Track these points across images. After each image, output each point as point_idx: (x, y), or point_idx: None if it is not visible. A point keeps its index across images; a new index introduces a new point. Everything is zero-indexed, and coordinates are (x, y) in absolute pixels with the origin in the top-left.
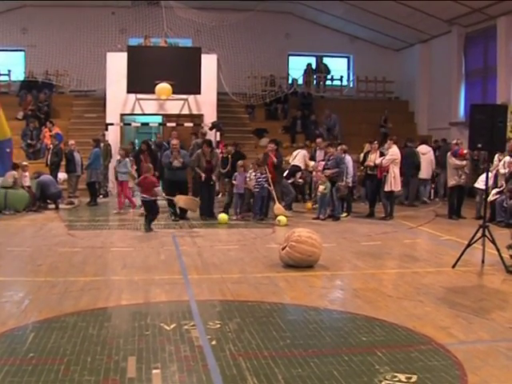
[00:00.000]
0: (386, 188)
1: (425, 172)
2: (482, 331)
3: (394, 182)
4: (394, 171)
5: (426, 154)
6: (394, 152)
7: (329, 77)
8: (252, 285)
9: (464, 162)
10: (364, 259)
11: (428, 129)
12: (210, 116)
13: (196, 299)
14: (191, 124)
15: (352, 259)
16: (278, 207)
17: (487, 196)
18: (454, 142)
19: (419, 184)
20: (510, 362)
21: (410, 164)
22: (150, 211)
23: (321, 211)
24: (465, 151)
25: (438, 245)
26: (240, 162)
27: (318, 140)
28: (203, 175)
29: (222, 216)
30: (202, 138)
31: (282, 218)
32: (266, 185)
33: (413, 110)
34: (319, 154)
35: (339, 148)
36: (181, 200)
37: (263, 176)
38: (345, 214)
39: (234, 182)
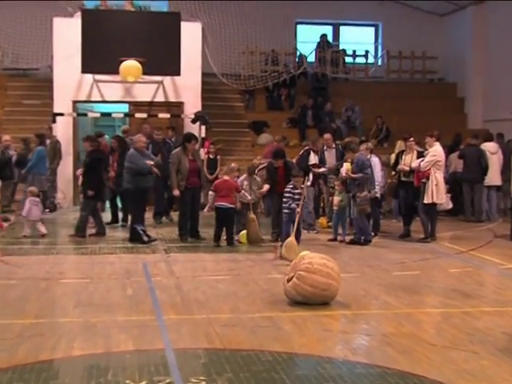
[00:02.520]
0: (426, 200)
1: (494, 177)
2: None
3: (436, 192)
4: (437, 177)
5: (494, 153)
6: (435, 152)
7: (349, 52)
8: (248, 328)
9: None
10: (396, 294)
11: (483, 120)
12: (193, 104)
13: (174, 348)
14: (167, 115)
15: (380, 294)
16: (290, 245)
17: None
18: None
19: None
20: None
21: (475, 167)
22: (227, 222)
23: (338, 230)
24: None
25: (498, 276)
26: (233, 167)
27: (327, 136)
28: (176, 192)
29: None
30: (172, 135)
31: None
32: (295, 205)
33: (462, 95)
34: (328, 155)
35: (363, 147)
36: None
37: (297, 192)
38: (372, 234)
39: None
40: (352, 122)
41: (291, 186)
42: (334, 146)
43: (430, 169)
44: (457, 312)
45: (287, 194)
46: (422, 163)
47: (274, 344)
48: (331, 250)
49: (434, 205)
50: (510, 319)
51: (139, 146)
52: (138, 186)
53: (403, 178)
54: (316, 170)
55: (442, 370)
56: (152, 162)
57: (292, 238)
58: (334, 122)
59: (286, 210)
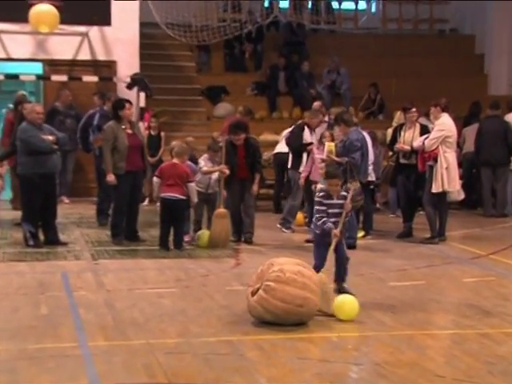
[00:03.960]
0: (435, 188)
1: None
2: None
3: (447, 177)
4: (447, 158)
5: None
6: (443, 125)
7: None
8: (200, 356)
9: None
10: (394, 311)
11: (509, 84)
12: (128, 64)
13: None
14: (95, 78)
15: (373, 311)
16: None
17: None
18: None
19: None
20: None
21: (498, 145)
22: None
23: None
24: None
25: None
26: (187, 145)
27: (316, 104)
28: (111, 177)
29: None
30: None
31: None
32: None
33: (482, 51)
34: (319, 131)
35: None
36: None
37: (334, 203)
38: (361, 234)
39: None
40: (337, 87)
41: (323, 194)
42: (325, 118)
43: (437, 148)
44: (473, 334)
45: (318, 207)
46: (426, 141)
47: (234, 377)
48: (309, 254)
49: (443, 195)
50: None
51: (32, 117)
52: (30, 172)
53: (402, 161)
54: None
55: None
56: (51, 138)
57: (325, 279)
58: (313, 88)
59: (316, 231)
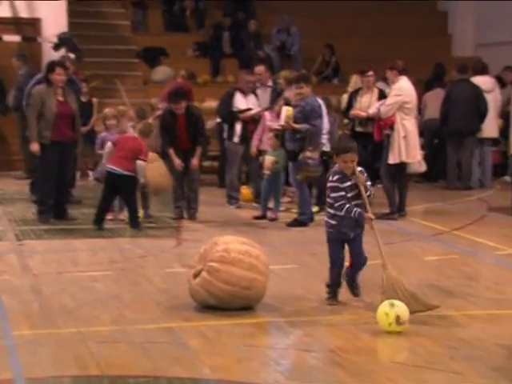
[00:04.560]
0: (392, 159)
1: (489, 127)
2: None
3: (405, 147)
4: (405, 126)
5: (490, 92)
6: (400, 90)
7: None
8: (137, 345)
9: None
10: (349, 293)
11: (475, 44)
12: (55, 23)
13: (27, 377)
14: (17, 38)
15: (325, 293)
16: None
17: None
18: None
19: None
20: None
21: (466, 112)
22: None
23: (268, 204)
24: None
25: (494, 266)
26: (109, 111)
27: (259, 68)
28: (35, 146)
29: None
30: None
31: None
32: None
33: (445, 8)
34: (262, 96)
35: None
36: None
37: (352, 184)
38: (315, 209)
39: (99, 151)
40: (287, 48)
41: (337, 177)
42: (269, 83)
43: (394, 115)
44: (434, 317)
45: (335, 194)
46: (382, 107)
47: (174, 367)
48: (258, 231)
49: (403, 166)
50: (510, 327)
51: None
52: None
53: (358, 129)
54: (252, 113)
55: None
56: None
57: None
58: (261, 49)
59: (332, 222)
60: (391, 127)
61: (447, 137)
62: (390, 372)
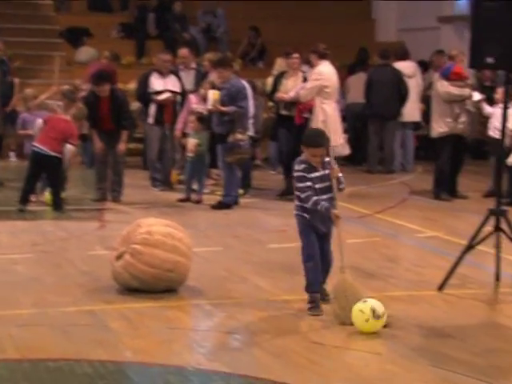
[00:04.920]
0: None
1: (411, 111)
2: None
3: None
4: (325, 110)
5: (411, 77)
6: (320, 74)
7: None
8: (58, 328)
9: (466, 91)
10: (273, 276)
11: (399, 29)
12: None
13: None
14: None
15: (250, 276)
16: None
17: (503, 155)
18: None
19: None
20: None
21: (388, 97)
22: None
23: (192, 186)
24: (465, 71)
25: (415, 248)
26: (30, 92)
27: (183, 51)
28: None
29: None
30: None
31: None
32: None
33: None
34: (185, 78)
35: None
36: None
37: (319, 175)
38: (240, 192)
39: (21, 131)
40: (213, 31)
41: (304, 167)
42: (193, 65)
43: (313, 99)
44: None
45: (301, 184)
46: (301, 91)
47: (96, 350)
48: (182, 214)
49: None
50: (428, 307)
51: None
52: None
53: (283, 112)
54: (162, 98)
55: (330, 378)
56: None
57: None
58: (186, 31)
59: (304, 215)
60: (310, 111)
61: (369, 120)
62: (311, 353)
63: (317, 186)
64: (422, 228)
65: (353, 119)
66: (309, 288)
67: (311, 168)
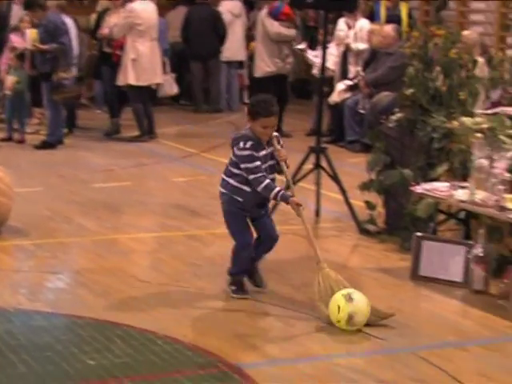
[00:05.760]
0: (120, 80)
1: (236, 50)
2: (312, 340)
3: (133, 69)
4: (137, 48)
5: (238, 16)
6: (131, 11)
7: None
8: None
9: (293, 32)
10: (97, 215)
11: None
12: None
13: None
14: None
15: (74, 216)
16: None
17: (325, 94)
18: None
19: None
20: None
21: (207, 35)
22: None
23: (11, 125)
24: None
25: None
26: None
27: None
28: None
29: None
30: None
31: None
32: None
33: None
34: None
35: (50, 3)
36: None
37: (269, 152)
38: (65, 131)
39: None
40: None
41: (251, 144)
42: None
43: (124, 36)
44: (180, 236)
45: (248, 165)
46: (114, 28)
47: None
48: (3, 154)
49: (148, 89)
50: None
51: None
52: None
53: (106, 49)
54: None
55: (156, 316)
56: None
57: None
58: None
59: (238, 198)
60: (122, 48)
61: (191, 60)
62: (135, 290)
63: (264, 165)
64: None
65: (176, 58)
66: (235, 274)
67: (259, 145)
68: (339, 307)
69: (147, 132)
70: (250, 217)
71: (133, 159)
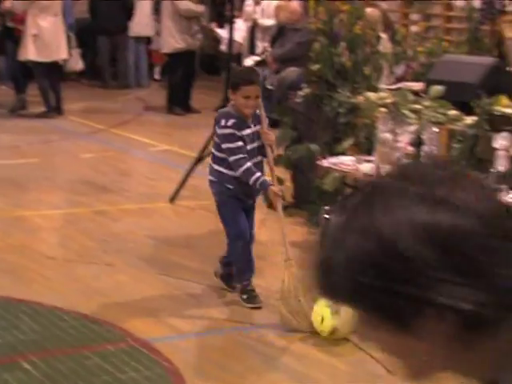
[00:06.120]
0: (20, 55)
1: (143, 25)
2: (221, 313)
3: (34, 45)
4: (39, 23)
5: None
6: None
7: None
8: None
9: (201, 8)
10: (4, 193)
11: None
12: None
13: None
14: None
15: None
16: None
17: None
18: None
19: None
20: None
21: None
22: None
23: None
24: None
25: (148, 161)
26: None
27: None
28: None
29: None
30: None
31: None
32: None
33: None
34: None
35: None
36: None
37: (250, 132)
38: None
39: None
40: None
41: (233, 122)
42: None
43: (27, 11)
44: (88, 213)
45: (229, 144)
46: (16, 3)
47: None
48: None
49: (37, 65)
50: (159, 218)
51: None
52: None
53: (10, 24)
54: None
55: (63, 291)
56: None
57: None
58: None
59: (228, 185)
60: (23, 23)
61: (98, 35)
62: (42, 267)
63: (248, 147)
64: (155, 142)
65: (82, 33)
66: (241, 276)
67: (242, 123)
68: (322, 318)
69: (54, 108)
70: (242, 207)
71: (39, 136)
